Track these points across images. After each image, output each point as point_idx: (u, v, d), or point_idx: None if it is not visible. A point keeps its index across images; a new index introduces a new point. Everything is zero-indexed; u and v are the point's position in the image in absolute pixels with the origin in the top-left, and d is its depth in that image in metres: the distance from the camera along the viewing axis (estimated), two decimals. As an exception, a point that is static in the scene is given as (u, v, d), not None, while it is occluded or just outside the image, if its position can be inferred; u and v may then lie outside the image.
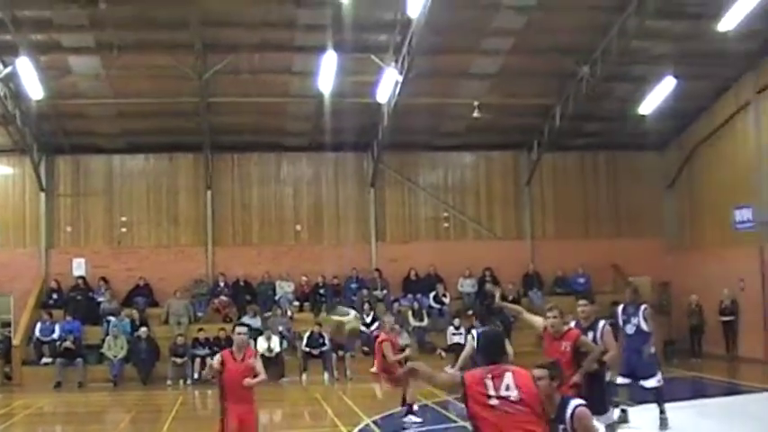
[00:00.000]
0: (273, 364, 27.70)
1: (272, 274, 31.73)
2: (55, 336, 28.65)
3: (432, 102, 29.96)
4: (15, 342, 28.66)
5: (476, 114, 29.58)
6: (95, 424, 22.13)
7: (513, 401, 7.53)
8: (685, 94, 29.50)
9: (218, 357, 12.52)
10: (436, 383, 8.24)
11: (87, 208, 32.11)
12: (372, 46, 26.34)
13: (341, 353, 28.33)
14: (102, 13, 23.86)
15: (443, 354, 29.32)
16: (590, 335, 13.26)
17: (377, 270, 32.29)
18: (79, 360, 27.97)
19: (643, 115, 30.44)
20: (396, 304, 30.88)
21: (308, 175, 33.52)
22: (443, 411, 20.49)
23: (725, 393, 22.28)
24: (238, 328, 12.80)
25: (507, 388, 7.56)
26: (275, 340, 28.35)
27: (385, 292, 31.88)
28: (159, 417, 21.98)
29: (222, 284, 31.30)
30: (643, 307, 16.73)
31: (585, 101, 29.03)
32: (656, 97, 29.29)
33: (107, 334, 28.75)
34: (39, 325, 28.95)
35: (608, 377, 14.38)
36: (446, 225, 33.94)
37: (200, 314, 30.77)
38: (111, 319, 29.36)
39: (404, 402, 19.39)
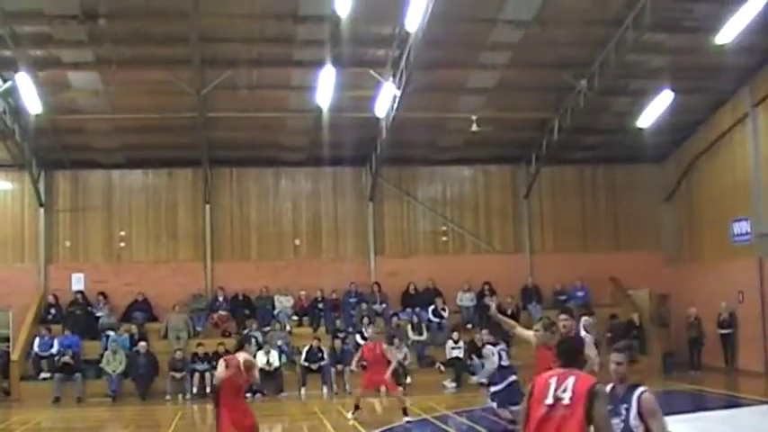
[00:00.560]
0: (272, 378, 27.74)
1: (270, 288, 31.71)
2: (53, 351, 28.61)
3: (430, 116, 30.00)
4: (14, 357, 28.61)
5: (474, 128, 29.60)
6: (94, 439, 22.13)
7: (563, 404, 7.82)
8: (683, 107, 29.58)
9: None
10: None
11: (86, 223, 32.11)
12: (370, 60, 26.39)
13: (339, 367, 28.31)
14: (101, 29, 23.94)
15: (442, 368, 29.34)
16: None
17: (376, 284, 32.29)
18: (78, 375, 27.93)
19: (641, 128, 30.49)
20: (395, 318, 30.90)
21: (307, 190, 33.56)
22: (443, 426, 20.48)
23: (724, 406, 22.30)
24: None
25: (564, 390, 7.85)
26: (274, 355, 28.35)
27: (384, 306, 31.88)
28: (158, 431, 21.98)
29: (221, 299, 31.30)
30: (583, 319, 16.91)
31: (583, 114, 29.07)
32: (654, 111, 29.36)
33: (106, 349, 28.73)
34: (37, 340, 28.92)
35: None
36: (444, 239, 33.97)
37: (198, 329, 30.77)
38: (110, 333, 29.34)
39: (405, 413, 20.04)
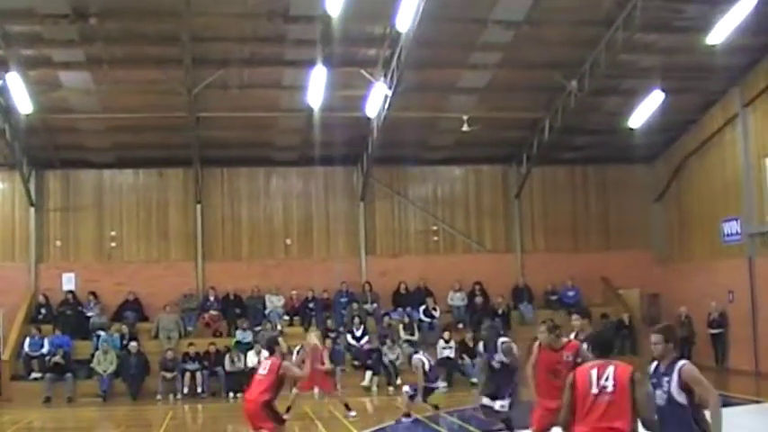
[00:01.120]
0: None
1: (261, 288, 31.70)
2: (44, 351, 28.55)
3: (421, 116, 30.03)
4: (4, 357, 28.51)
5: (465, 128, 29.62)
6: (85, 439, 22.10)
7: (608, 392, 8.62)
8: (673, 107, 29.65)
9: None
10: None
11: (77, 222, 32.07)
12: (361, 60, 26.39)
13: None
14: (92, 29, 23.89)
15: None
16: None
17: (367, 284, 32.30)
18: (68, 375, 27.87)
19: (632, 129, 30.55)
20: (386, 318, 30.90)
21: (298, 190, 33.56)
22: (434, 425, 20.49)
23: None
24: None
25: (606, 379, 8.66)
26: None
27: (375, 305, 31.89)
28: (149, 431, 21.95)
29: (212, 299, 31.27)
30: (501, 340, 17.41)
31: (574, 114, 29.11)
32: (645, 111, 29.42)
33: (96, 349, 28.68)
34: (28, 340, 28.87)
35: None
36: (435, 238, 33.99)
37: (189, 329, 30.74)
38: (101, 333, 29.28)
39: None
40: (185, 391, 27.83)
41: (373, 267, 33.05)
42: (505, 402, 16.81)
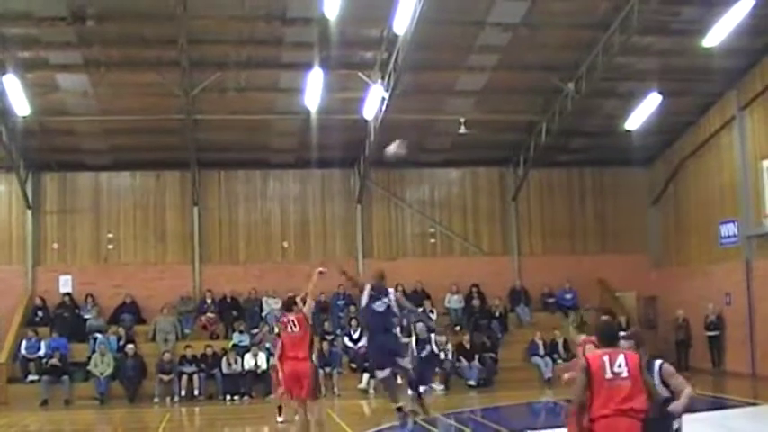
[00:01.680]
0: (261, 381, 27.69)
1: (258, 290, 31.68)
2: (41, 353, 28.51)
3: (418, 118, 30.00)
4: (1, 359, 28.46)
5: (462, 131, 29.65)
6: (82, 442, 22.07)
7: (623, 378, 9.27)
8: (670, 110, 29.69)
9: None
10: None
11: (74, 225, 32.05)
12: (359, 63, 26.43)
13: (328, 369, 28.28)
14: (89, 31, 23.90)
15: (430, 369, 29.31)
16: None
17: (364, 286, 32.19)
18: (65, 377, 27.83)
19: (629, 131, 30.59)
20: (383, 320, 30.84)
21: (295, 192, 33.55)
22: (431, 427, 20.47)
23: (711, 408, 22.34)
24: None
25: (619, 366, 9.31)
26: (262, 357, 28.27)
27: (372, 308, 31.82)
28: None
29: (209, 301, 31.26)
30: (391, 291, 17.87)
31: (571, 117, 29.13)
32: (642, 113, 29.46)
33: (93, 351, 28.62)
34: (24, 342, 28.85)
35: None
36: (432, 241, 34.00)
37: (186, 331, 30.73)
38: (98, 336, 29.24)
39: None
40: (182, 393, 27.78)
41: (371, 270, 32.96)
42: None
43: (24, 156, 30.66)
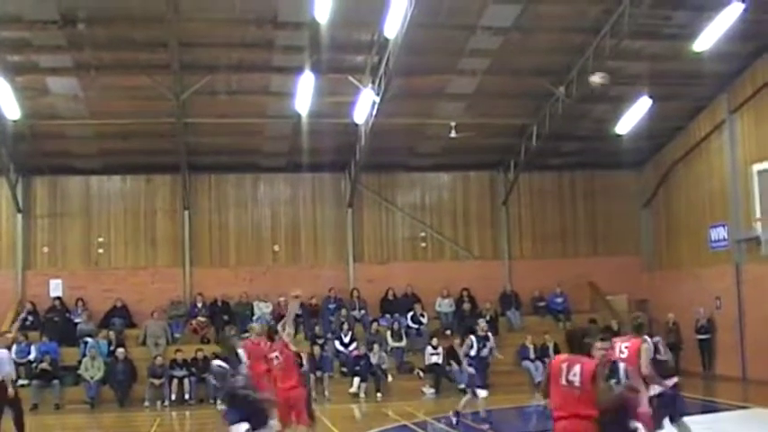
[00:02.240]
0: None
1: (249, 294, 31.66)
2: (31, 357, 28.44)
3: (409, 122, 30.03)
4: (-9, 364, 28.39)
5: (452, 134, 29.67)
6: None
7: (575, 386, 9.71)
8: (661, 113, 29.75)
9: None
10: None
11: (64, 229, 31.98)
12: (349, 67, 26.41)
13: (319, 374, 28.27)
14: (79, 34, 23.84)
15: (422, 374, 29.33)
16: None
17: (355, 290, 32.30)
18: (56, 382, 27.79)
19: (619, 135, 30.64)
20: (374, 324, 30.92)
21: (286, 196, 33.54)
22: (420, 431, 20.49)
23: (702, 411, 22.37)
24: None
25: (574, 375, 9.74)
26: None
27: (363, 312, 31.89)
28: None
29: (200, 305, 31.20)
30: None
31: (562, 121, 29.16)
32: (632, 117, 29.52)
33: (84, 355, 28.60)
34: (15, 347, 28.67)
35: None
36: (423, 245, 34.01)
37: (177, 335, 30.67)
38: (89, 340, 29.20)
39: None
40: (173, 397, 27.74)
41: (361, 274, 33.05)
42: None
43: (14, 159, 30.57)
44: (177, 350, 29.02)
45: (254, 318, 30.98)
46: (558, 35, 26.00)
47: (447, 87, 28.53)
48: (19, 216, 31.49)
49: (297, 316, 30.71)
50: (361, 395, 27.97)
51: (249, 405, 13.08)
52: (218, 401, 20.98)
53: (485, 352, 21.34)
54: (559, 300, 33.21)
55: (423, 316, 31.70)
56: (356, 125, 28.90)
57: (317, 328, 30.40)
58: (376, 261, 33.42)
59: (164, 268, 32.18)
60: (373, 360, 28.63)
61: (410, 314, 31.66)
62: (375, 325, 30.94)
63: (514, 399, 25.91)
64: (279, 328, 16.40)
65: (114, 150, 30.99)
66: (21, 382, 27.77)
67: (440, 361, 29.38)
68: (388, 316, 31.77)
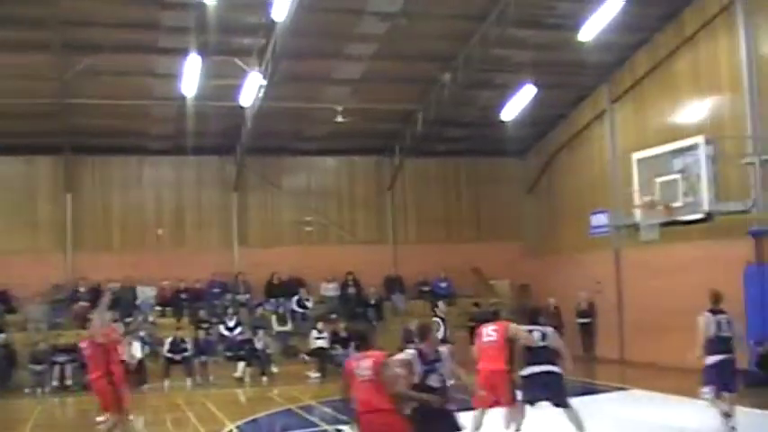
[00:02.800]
0: (135, 370, 27.40)
1: (133, 278, 31.28)
2: None
3: (295, 106, 29.97)
4: None
5: (339, 119, 29.76)
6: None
7: (367, 378, 10.48)
8: (545, 102, 30.24)
9: None
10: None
11: (-60, 211, 31.18)
12: (236, 49, 26.19)
13: (203, 358, 28.11)
14: (-43, 12, 23.24)
15: (306, 358, 29.33)
16: None
17: (240, 274, 32.16)
18: (-68, 368, 27.15)
19: (504, 122, 31.03)
20: (259, 308, 30.85)
21: (170, 179, 33.20)
22: (307, 415, 20.53)
23: (582, 393, 22.82)
24: None
25: (365, 369, 10.52)
26: (136, 346, 27.93)
27: (248, 296, 31.81)
28: (17, 425, 21.45)
29: (82, 290, 30.70)
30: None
31: (447, 107, 29.46)
32: (517, 104, 29.92)
33: (-38, 341, 27.97)
34: None
35: None
36: (309, 229, 33.98)
37: (59, 320, 30.12)
38: (-34, 325, 28.57)
39: None
40: (54, 383, 27.26)
41: (246, 258, 32.92)
42: None
43: None
44: (59, 335, 28.52)
45: (138, 302, 30.74)
46: (444, 22, 26.21)
47: (334, 72, 28.55)
48: None
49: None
50: (246, 379, 27.87)
51: None
52: None
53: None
54: (444, 284, 33.56)
55: (308, 300, 31.75)
56: (242, 108, 28.71)
57: (201, 313, 30.21)
58: (261, 245, 33.31)
59: (45, 252, 31.50)
60: (258, 345, 28.52)
61: (295, 298, 31.67)
62: (260, 309, 30.90)
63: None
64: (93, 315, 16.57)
65: (-6, 131, 30.25)
66: None
67: (325, 345, 29.40)
68: (273, 300, 31.75)
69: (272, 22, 23.85)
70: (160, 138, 32.02)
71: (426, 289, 33.69)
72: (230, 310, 30.32)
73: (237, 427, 19.16)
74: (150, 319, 30.34)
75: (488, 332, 14.91)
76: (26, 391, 26.90)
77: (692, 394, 16.79)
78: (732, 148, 23.21)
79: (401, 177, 34.44)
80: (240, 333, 29.64)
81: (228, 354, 29.18)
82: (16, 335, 28.99)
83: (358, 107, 30.06)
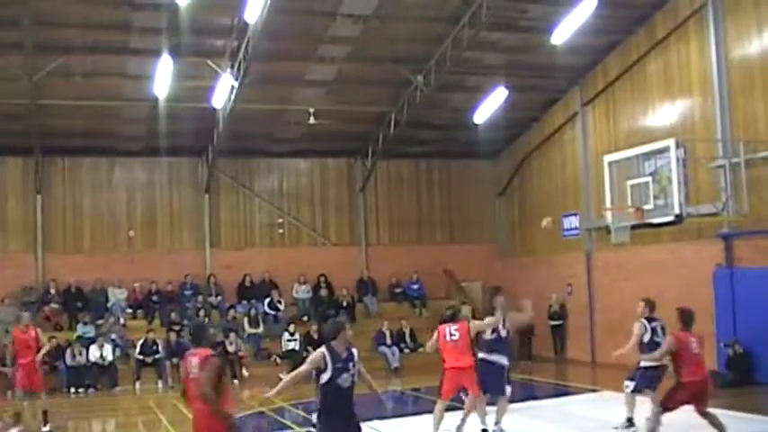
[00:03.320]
0: (106, 372, 27.31)
1: (104, 280, 31.13)
2: None
3: (267, 108, 29.91)
4: None
5: (311, 121, 29.70)
6: None
7: (194, 375, 11.01)
8: (517, 104, 30.35)
9: None
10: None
11: None
12: (208, 51, 26.14)
13: (175, 360, 27.99)
14: (-73, 11, 23.07)
15: (278, 360, 29.28)
16: None
17: (211, 276, 32.08)
18: None
19: (476, 124, 31.11)
20: (231, 311, 30.77)
21: (142, 181, 33.04)
22: (279, 418, 20.51)
23: (554, 395, 22.96)
24: None
25: (193, 366, 11.14)
26: (108, 348, 27.86)
27: (219, 298, 31.72)
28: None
29: (53, 291, 30.51)
30: None
31: (420, 109, 29.47)
32: (489, 107, 30.00)
33: (-71, 344, 27.72)
34: None
35: None
36: (281, 231, 33.94)
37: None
38: (-66, 328, 28.33)
39: None
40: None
41: (218, 260, 32.84)
42: None
43: None
44: (29, 337, 28.29)
45: (109, 304, 30.60)
46: (417, 24, 26.24)
47: (306, 74, 28.51)
48: None
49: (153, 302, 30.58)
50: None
51: None
52: None
53: None
54: (415, 286, 33.63)
55: (280, 302, 31.71)
56: (214, 110, 28.63)
57: (173, 315, 30.08)
58: (233, 247, 33.26)
59: (15, 253, 31.27)
60: (230, 347, 28.45)
61: (267, 300, 31.63)
62: (232, 311, 30.81)
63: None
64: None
65: (-37, 132, 30.05)
66: None
67: (297, 347, 29.39)
68: (245, 302, 31.68)
69: (245, 23, 23.78)
70: (132, 139, 31.87)
71: (398, 291, 33.75)
72: (202, 313, 30.22)
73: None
74: (121, 321, 30.21)
75: (451, 332, 16.12)
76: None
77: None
78: (702, 151, 23.42)
79: (373, 179, 34.46)
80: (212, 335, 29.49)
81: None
82: (-15, 337, 28.76)
83: (330, 109, 30.04)
